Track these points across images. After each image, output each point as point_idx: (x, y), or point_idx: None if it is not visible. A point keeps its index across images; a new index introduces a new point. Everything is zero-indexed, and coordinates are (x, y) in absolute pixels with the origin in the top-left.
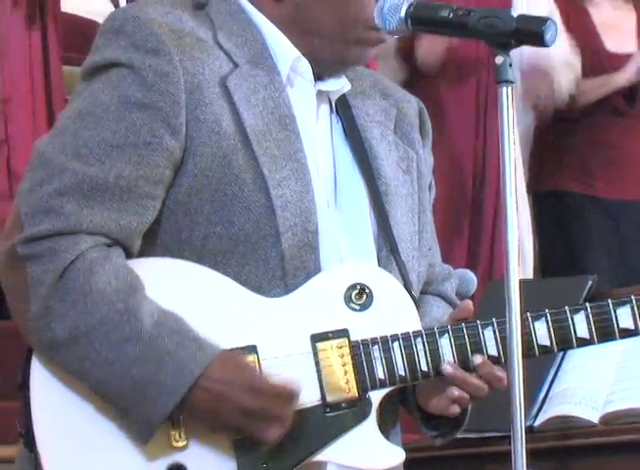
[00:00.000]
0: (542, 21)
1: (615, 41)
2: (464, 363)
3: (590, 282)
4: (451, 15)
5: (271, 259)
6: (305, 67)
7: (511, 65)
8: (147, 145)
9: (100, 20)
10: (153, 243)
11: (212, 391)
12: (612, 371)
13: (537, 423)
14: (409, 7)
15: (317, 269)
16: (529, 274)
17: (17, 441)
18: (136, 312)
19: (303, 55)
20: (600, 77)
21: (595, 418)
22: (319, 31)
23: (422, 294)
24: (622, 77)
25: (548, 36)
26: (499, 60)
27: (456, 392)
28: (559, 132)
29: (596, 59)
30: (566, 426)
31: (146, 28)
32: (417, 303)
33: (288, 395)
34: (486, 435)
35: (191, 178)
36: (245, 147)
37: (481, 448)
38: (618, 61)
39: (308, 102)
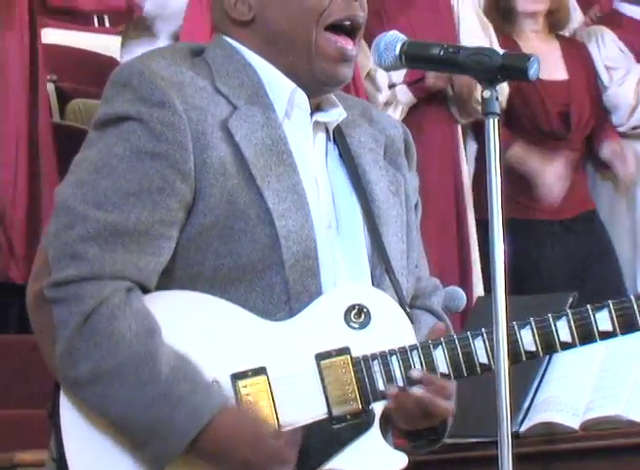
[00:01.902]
0: (526, 57)
1: (545, 70)
2: (458, 372)
3: (571, 298)
4: (442, 52)
5: (276, 286)
6: (302, 97)
7: (497, 98)
8: (160, 191)
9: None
10: (168, 277)
11: (219, 437)
12: (591, 381)
13: (522, 429)
14: (403, 45)
15: (319, 292)
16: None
17: (43, 446)
18: (154, 357)
19: (290, 77)
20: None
21: (576, 424)
22: (287, 42)
23: (410, 308)
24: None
25: (532, 71)
26: (486, 94)
27: (419, 391)
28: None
29: (529, 86)
30: (549, 432)
31: (150, 83)
32: (412, 318)
33: (292, 443)
34: (474, 440)
35: (201, 217)
36: (249, 184)
37: (470, 453)
38: (550, 87)
39: (305, 132)
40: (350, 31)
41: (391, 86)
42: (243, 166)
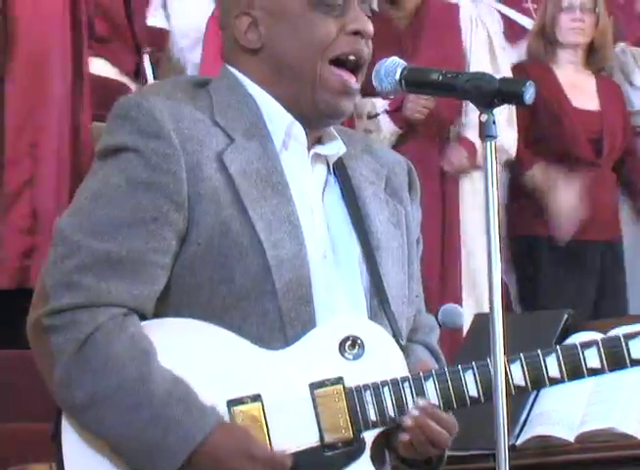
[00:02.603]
0: (522, 82)
1: (578, 99)
2: (448, 404)
3: (566, 315)
4: (441, 78)
5: (270, 313)
6: (299, 131)
7: (494, 122)
8: (154, 220)
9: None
10: (164, 304)
11: (213, 456)
12: (585, 395)
13: (519, 442)
14: (403, 70)
15: (312, 319)
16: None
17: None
18: (148, 380)
19: (291, 111)
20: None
21: (571, 437)
22: (293, 71)
23: (410, 342)
24: None
25: (527, 96)
26: (484, 117)
27: (406, 436)
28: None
29: (562, 112)
30: (545, 444)
31: (148, 115)
32: (404, 350)
33: (280, 462)
34: (472, 453)
35: (195, 246)
36: (241, 215)
37: (468, 465)
38: (582, 115)
39: (302, 163)
40: (354, 67)
41: (375, 116)
42: (236, 197)
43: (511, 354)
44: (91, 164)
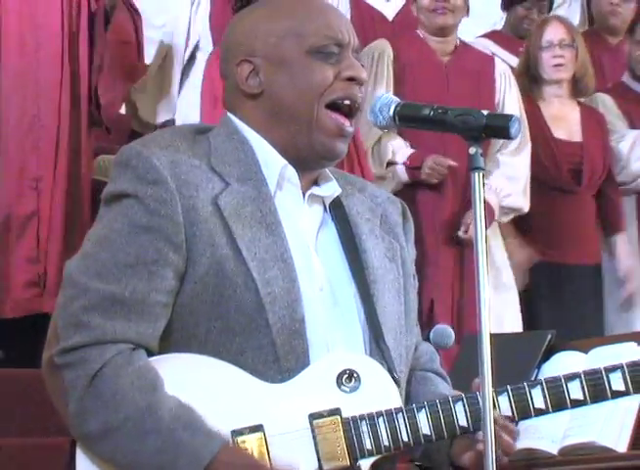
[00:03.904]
0: (508, 117)
1: (561, 130)
2: (440, 434)
3: (549, 336)
4: (432, 113)
5: (264, 347)
6: (292, 173)
7: (482, 154)
8: (155, 262)
9: None
10: (166, 340)
11: None
12: (568, 411)
13: None
14: (397, 106)
15: (305, 352)
16: None
17: None
18: (156, 408)
19: (287, 154)
20: None
21: (555, 450)
22: (290, 114)
23: (423, 371)
24: None
25: (513, 130)
26: (472, 150)
27: (482, 445)
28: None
29: (546, 145)
30: (530, 457)
31: (147, 162)
32: (398, 383)
33: None
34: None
35: (192, 284)
36: (236, 255)
37: None
38: (566, 147)
39: (297, 203)
40: (348, 111)
41: (390, 164)
42: (231, 238)
43: (498, 374)
44: (89, 198)
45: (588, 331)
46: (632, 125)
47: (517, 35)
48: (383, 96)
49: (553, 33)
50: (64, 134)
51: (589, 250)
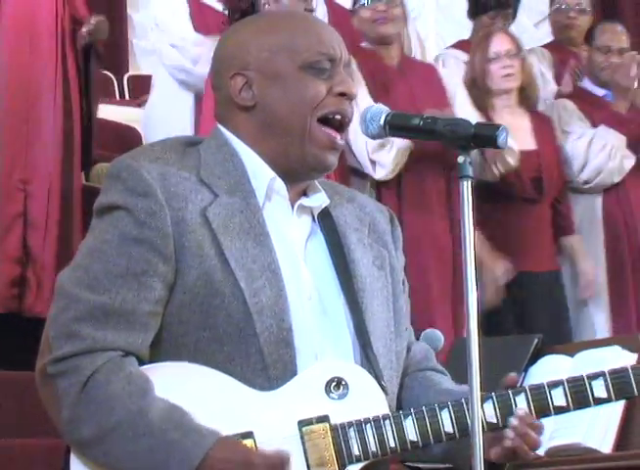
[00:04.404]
0: (496, 127)
1: (515, 141)
2: (426, 440)
3: (536, 340)
4: (421, 122)
5: (252, 355)
6: (280, 186)
7: (470, 163)
8: (144, 273)
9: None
10: (156, 349)
11: (215, 468)
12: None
13: None
14: (387, 116)
15: (292, 361)
16: None
17: None
18: (147, 411)
19: (276, 166)
20: None
21: (541, 451)
22: (283, 127)
23: (420, 371)
24: None
25: (501, 139)
26: (461, 159)
27: (510, 442)
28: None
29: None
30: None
31: (137, 175)
32: (385, 391)
33: (280, 463)
34: (449, 465)
35: (181, 294)
36: (223, 265)
37: None
38: (523, 156)
39: (285, 214)
40: (339, 125)
41: None
42: (219, 250)
43: (486, 377)
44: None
45: (557, 337)
46: (594, 127)
47: None
48: (373, 106)
49: (499, 44)
50: (57, 138)
51: (550, 256)
